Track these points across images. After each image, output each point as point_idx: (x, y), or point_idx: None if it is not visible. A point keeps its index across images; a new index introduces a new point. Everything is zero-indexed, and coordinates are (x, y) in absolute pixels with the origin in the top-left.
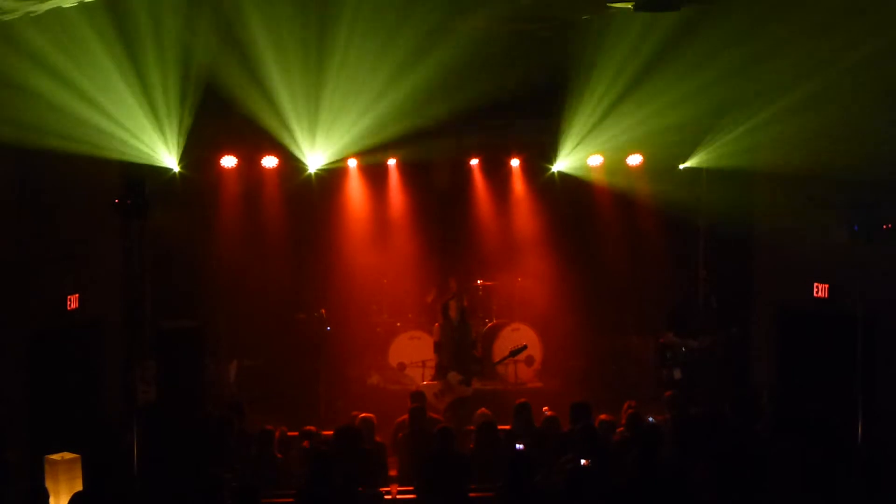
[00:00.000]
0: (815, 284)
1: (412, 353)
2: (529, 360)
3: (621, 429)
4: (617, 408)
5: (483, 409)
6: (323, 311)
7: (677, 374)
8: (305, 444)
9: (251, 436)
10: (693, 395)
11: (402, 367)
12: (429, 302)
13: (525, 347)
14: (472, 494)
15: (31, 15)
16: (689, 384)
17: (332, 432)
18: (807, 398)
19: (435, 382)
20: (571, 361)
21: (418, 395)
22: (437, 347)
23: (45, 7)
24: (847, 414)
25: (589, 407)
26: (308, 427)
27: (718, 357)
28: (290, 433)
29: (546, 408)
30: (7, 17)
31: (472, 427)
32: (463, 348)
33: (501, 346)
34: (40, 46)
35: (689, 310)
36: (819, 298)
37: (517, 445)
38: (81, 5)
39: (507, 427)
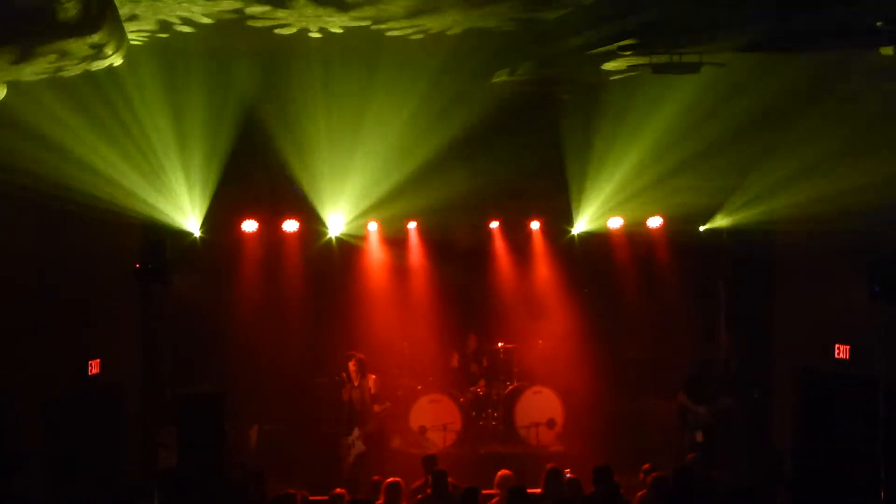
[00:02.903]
0: (837, 346)
1: (433, 417)
2: (551, 423)
3: (643, 492)
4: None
5: (506, 470)
6: (343, 374)
7: (699, 436)
8: None
9: (272, 500)
10: (714, 458)
11: (422, 430)
12: (454, 366)
13: None
14: None
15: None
16: (710, 447)
17: (362, 496)
18: (828, 461)
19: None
20: (593, 424)
21: (431, 459)
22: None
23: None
24: (869, 476)
25: (611, 470)
26: (338, 490)
27: (739, 420)
28: (311, 497)
29: (568, 470)
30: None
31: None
32: (362, 406)
33: (523, 410)
34: (65, 108)
35: (705, 375)
36: (840, 360)
37: None
38: (106, 70)
39: (537, 491)
